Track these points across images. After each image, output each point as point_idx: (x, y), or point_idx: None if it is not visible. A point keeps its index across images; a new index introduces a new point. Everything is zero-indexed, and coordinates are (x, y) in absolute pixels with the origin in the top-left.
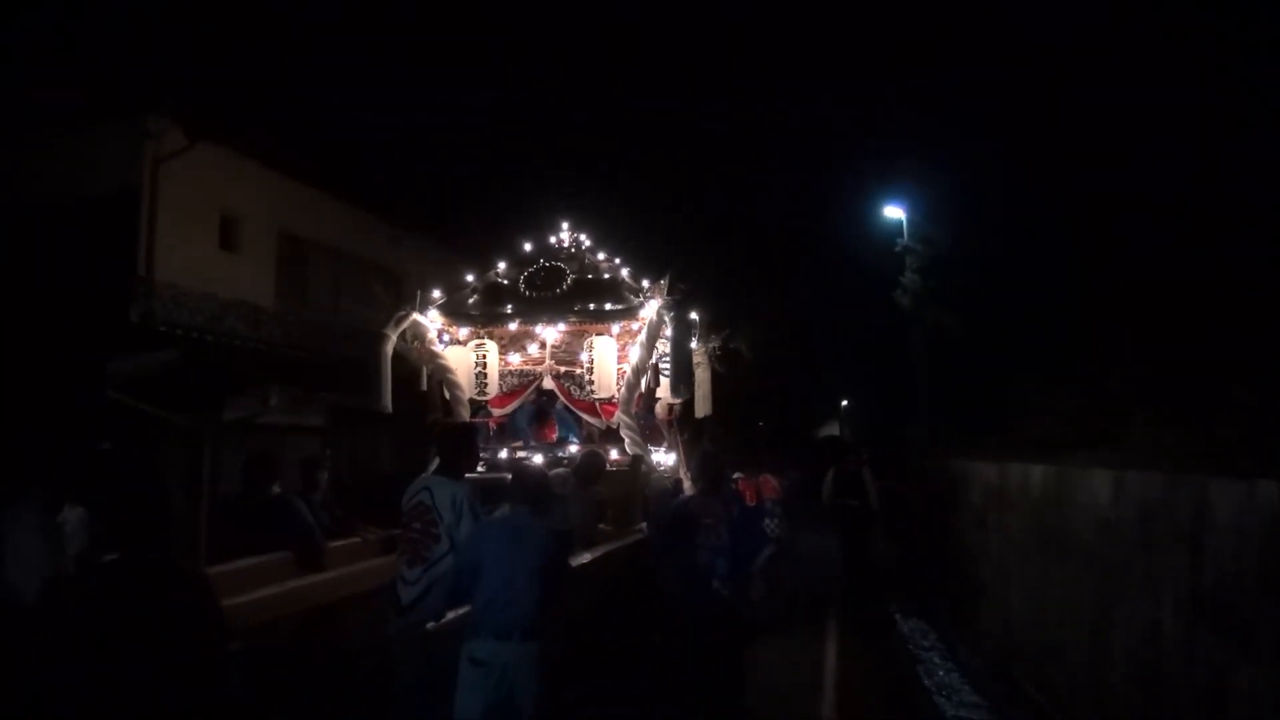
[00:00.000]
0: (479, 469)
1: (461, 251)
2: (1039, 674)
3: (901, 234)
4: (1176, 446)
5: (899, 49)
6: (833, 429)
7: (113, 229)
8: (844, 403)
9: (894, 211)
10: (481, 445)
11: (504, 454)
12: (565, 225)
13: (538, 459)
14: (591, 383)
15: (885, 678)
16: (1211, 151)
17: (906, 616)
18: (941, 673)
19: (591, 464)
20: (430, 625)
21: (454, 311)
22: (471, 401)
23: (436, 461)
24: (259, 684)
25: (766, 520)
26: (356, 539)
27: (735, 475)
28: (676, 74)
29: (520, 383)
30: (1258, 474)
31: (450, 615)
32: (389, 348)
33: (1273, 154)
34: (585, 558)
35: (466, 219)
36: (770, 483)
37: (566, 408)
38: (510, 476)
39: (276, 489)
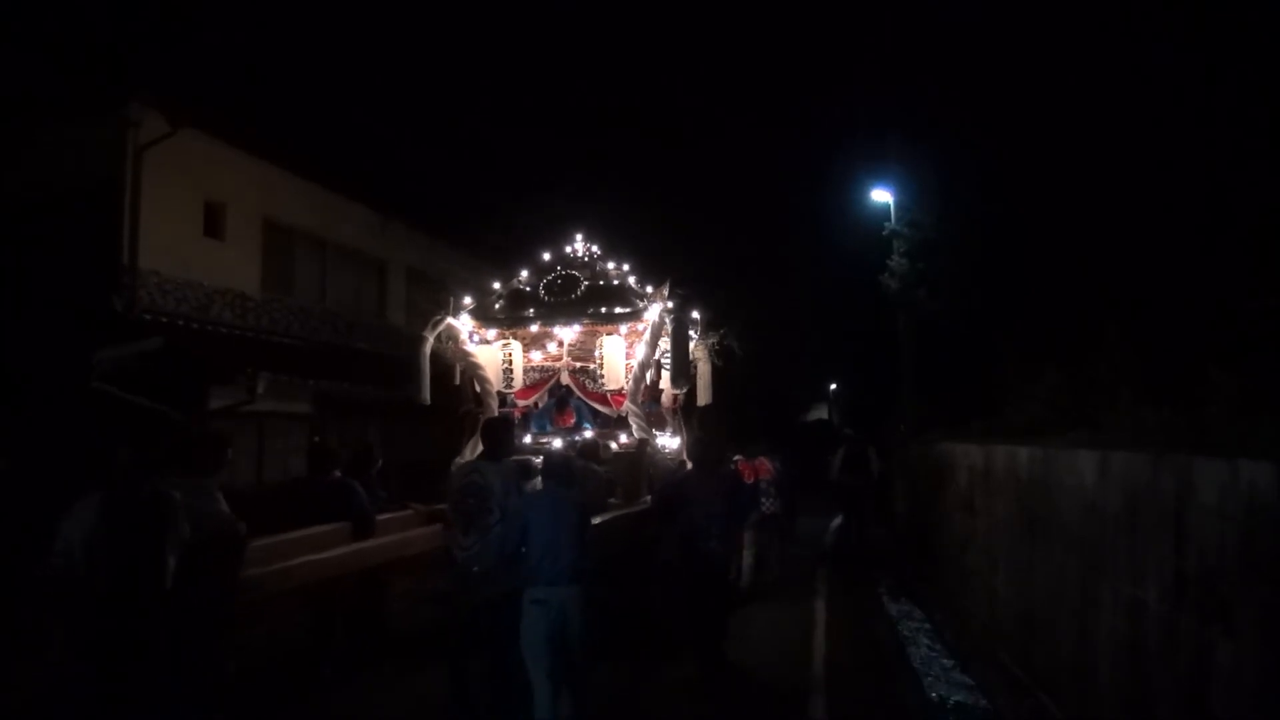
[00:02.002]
0: None
1: (449, 240)
2: (1024, 654)
3: (889, 218)
4: (1160, 427)
5: (888, 30)
6: (821, 412)
7: (96, 218)
8: (832, 386)
9: (881, 195)
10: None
11: (527, 439)
12: (579, 236)
13: (557, 443)
14: (603, 376)
15: (873, 657)
16: (1190, 136)
17: (894, 597)
18: (929, 654)
19: (590, 446)
20: (475, 569)
21: (483, 315)
22: (499, 394)
23: (470, 445)
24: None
25: (764, 499)
26: (408, 511)
27: (735, 457)
28: (660, 61)
29: (541, 377)
30: (1240, 453)
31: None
32: (428, 348)
33: (1251, 138)
34: (595, 520)
35: (453, 207)
36: (765, 465)
37: (581, 398)
38: (540, 460)
39: (337, 474)
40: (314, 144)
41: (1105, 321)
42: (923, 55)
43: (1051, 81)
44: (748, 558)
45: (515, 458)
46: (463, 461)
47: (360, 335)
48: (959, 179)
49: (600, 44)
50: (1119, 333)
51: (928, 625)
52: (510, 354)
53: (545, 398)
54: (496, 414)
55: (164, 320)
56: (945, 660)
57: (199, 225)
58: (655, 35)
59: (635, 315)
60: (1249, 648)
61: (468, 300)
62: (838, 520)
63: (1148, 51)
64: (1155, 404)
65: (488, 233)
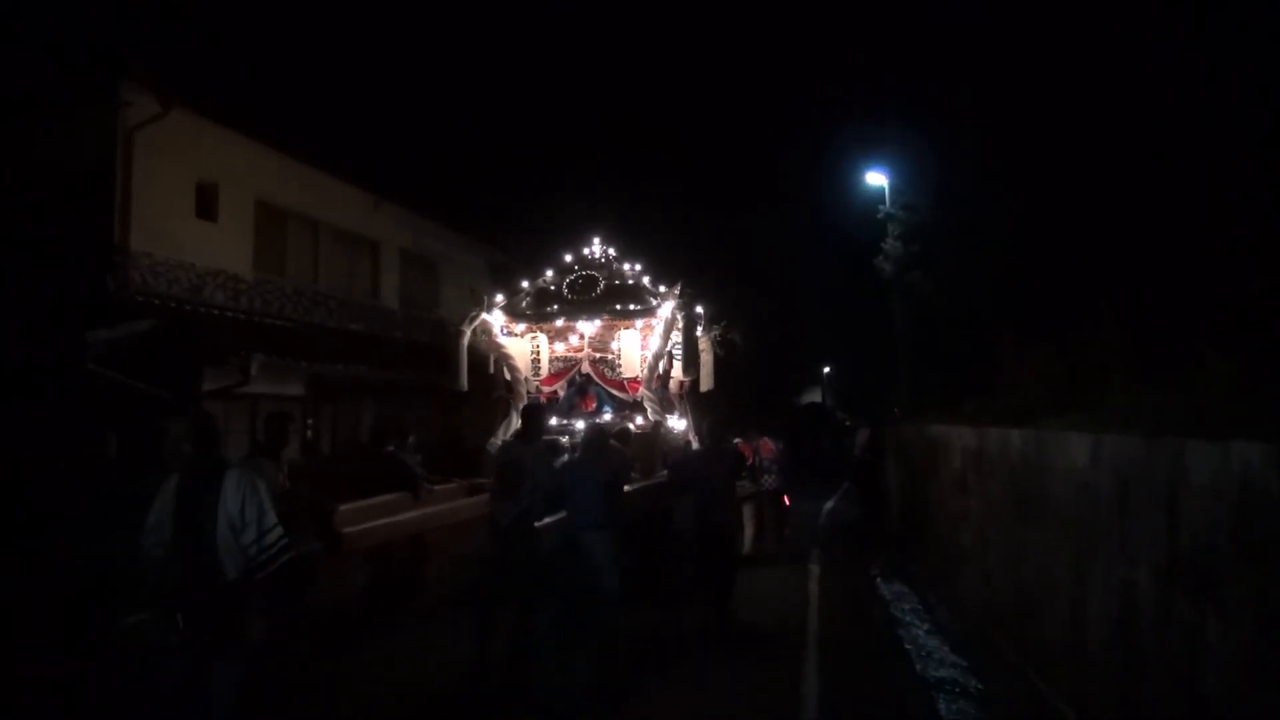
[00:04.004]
0: None
1: (442, 221)
2: (1017, 636)
3: (884, 201)
4: (1154, 409)
5: (887, 22)
6: (814, 395)
7: (87, 200)
8: (826, 369)
9: (876, 178)
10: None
11: (553, 421)
12: (597, 240)
13: (579, 425)
14: (620, 366)
15: (865, 640)
16: (1186, 129)
17: (887, 578)
18: (921, 634)
19: (623, 432)
20: (538, 524)
21: (513, 311)
22: (527, 381)
23: (502, 427)
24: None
25: (765, 475)
26: (453, 484)
27: (735, 439)
28: (658, 49)
29: (565, 366)
30: (1233, 435)
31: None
32: (465, 340)
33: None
34: (625, 488)
35: (446, 189)
36: (769, 445)
37: (601, 385)
38: (565, 439)
39: (391, 448)
40: (307, 125)
41: (1099, 304)
42: (921, 48)
43: (1049, 73)
44: (748, 529)
45: (545, 438)
46: (498, 442)
47: (353, 317)
48: (955, 163)
49: (598, 37)
50: (1113, 315)
51: (920, 606)
52: (537, 345)
53: (568, 385)
54: (527, 399)
55: (156, 302)
56: (938, 642)
57: (191, 206)
58: (654, 24)
59: (649, 311)
60: (1240, 627)
61: (500, 298)
62: (829, 504)
63: (1147, 50)
64: (1149, 385)
65: (480, 215)
